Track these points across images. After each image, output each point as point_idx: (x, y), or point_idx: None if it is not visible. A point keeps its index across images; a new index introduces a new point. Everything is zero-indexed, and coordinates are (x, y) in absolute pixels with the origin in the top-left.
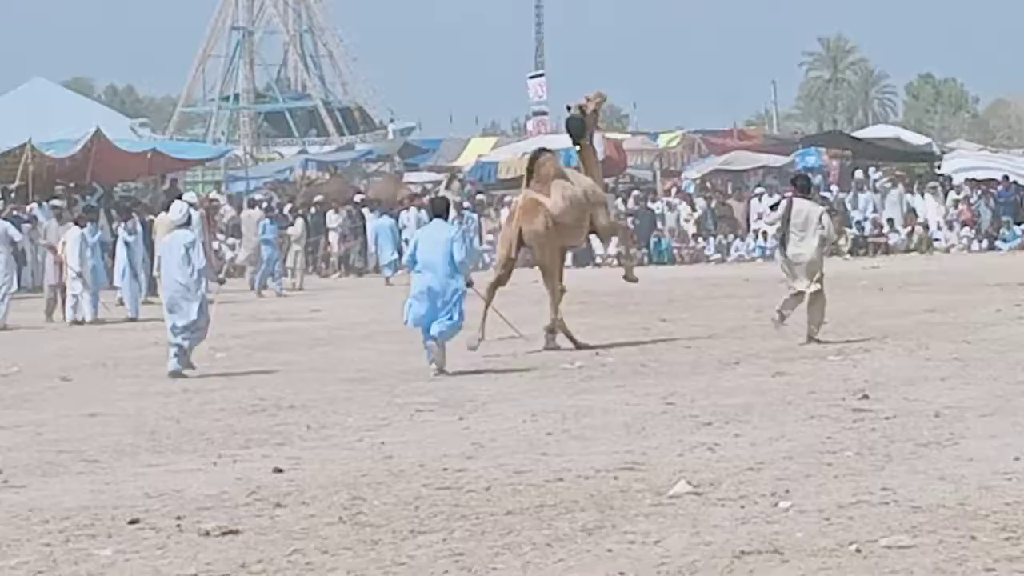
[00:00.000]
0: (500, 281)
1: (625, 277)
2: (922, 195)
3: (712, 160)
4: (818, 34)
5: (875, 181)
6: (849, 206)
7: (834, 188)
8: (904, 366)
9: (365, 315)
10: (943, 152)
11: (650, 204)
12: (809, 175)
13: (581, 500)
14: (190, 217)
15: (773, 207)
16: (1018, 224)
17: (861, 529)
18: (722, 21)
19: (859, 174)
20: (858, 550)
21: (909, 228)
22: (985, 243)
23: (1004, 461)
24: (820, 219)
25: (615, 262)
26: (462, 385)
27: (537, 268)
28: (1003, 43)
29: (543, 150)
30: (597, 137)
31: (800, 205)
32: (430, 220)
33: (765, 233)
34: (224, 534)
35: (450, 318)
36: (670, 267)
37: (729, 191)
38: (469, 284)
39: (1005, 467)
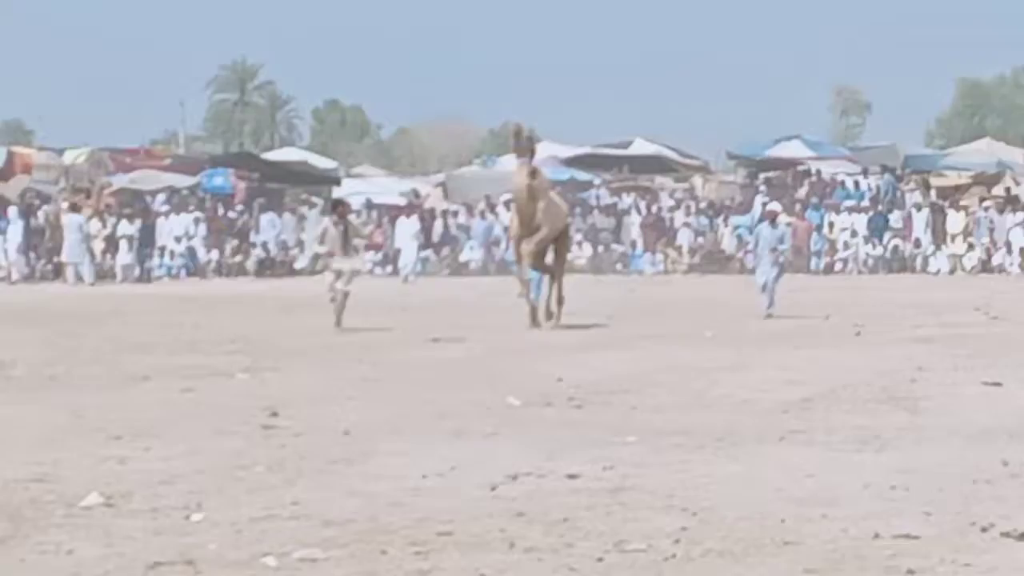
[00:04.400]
0: None
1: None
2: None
3: (120, 178)
4: (224, 55)
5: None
6: (254, 229)
7: (239, 208)
8: (312, 384)
9: None
10: (349, 176)
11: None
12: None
13: None
14: None
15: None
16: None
17: (274, 541)
18: (132, 36)
19: (262, 199)
20: (271, 563)
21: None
22: (390, 267)
23: (412, 478)
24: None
25: None
26: None
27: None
28: (406, 74)
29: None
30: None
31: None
32: None
33: (172, 252)
34: None
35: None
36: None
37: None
38: None
39: (414, 484)
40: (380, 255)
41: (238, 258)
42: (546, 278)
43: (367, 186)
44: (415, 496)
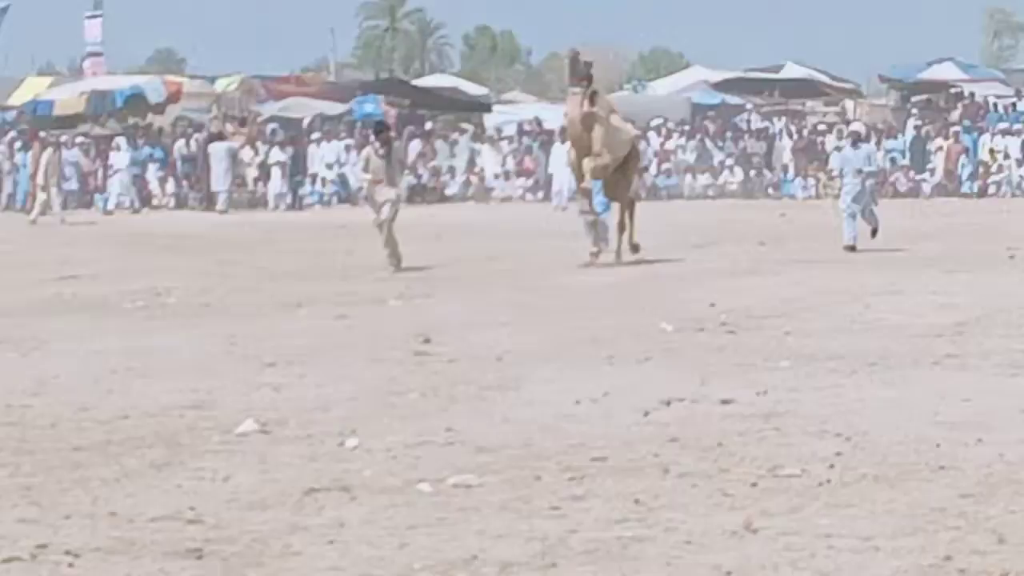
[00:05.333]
0: None
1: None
2: (481, 144)
3: (271, 105)
4: None
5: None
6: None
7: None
8: (464, 311)
9: None
10: (499, 102)
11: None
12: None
13: (148, 437)
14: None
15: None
16: None
17: (428, 467)
18: None
19: (412, 126)
20: (426, 488)
21: (466, 177)
22: (541, 194)
23: (565, 404)
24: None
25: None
26: (24, 323)
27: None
28: None
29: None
30: None
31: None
32: None
33: (324, 179)
34: None
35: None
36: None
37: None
38: None
39: (566, 410)
40: (531, 181)
41: None
42: (616, 208)
43: (518, 112)
44: (568, 422)
